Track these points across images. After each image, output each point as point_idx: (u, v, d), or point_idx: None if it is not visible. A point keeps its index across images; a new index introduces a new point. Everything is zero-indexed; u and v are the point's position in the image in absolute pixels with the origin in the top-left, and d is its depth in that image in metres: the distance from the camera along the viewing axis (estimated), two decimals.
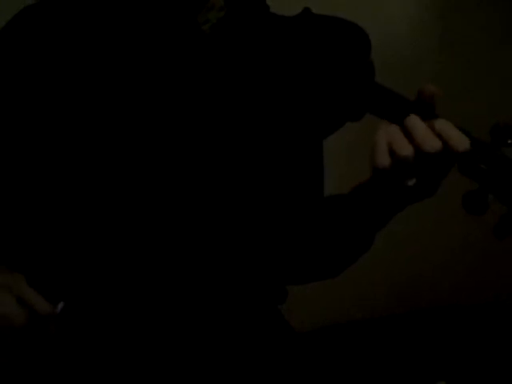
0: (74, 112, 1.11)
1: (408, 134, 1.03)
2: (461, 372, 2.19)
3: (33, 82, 1.13)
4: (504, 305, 2.31)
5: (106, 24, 1.15)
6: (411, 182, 1.05)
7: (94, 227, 1.11)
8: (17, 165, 1.15)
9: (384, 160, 1.03)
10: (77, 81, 1.12)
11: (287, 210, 1.16)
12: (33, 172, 1.13)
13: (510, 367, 2.16)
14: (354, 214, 1.14)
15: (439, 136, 1.01)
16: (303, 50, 1.14)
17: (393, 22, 2.20)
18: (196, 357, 1.14)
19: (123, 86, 1.11)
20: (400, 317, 2.31)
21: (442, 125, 1.02)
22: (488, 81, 2.26)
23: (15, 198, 1.16)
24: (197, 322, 1.14)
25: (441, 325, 2.31)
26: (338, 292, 2.21)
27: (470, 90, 2.21)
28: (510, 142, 1.05)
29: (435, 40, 2.24)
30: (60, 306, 1.10)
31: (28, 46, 1.15)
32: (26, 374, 1.14)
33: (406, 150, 1.01)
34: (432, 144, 1.01)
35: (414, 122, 1.02)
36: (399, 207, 1.10)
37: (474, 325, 2.30)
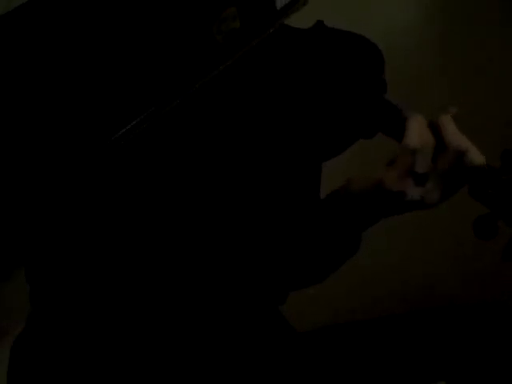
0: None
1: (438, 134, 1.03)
2: (461, 372, 2.18)
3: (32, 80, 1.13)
4: (504, 305, 2.31)
5: (113, 29, 1.14)
6: (418, 196, 1.05)
7: (92, 226, 1.11)
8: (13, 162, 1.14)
9: (426, 164, 1.03)
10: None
11: (283, 212, 1.16)
12: (31, 170, 1.13)
13: (510, 367, 2.16)
14: (346, 216, 1.14)
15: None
16: (316, 64, 1.13)
17: (393, 22, 2.20)
18: (196, 357, 1.14)
19: (131, 92, 1.11)
20: (400, 317, 2.31)
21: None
22: (488, 81, 2.26)
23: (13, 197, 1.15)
24: (197, 322, 1.14)
25: (441, 325, 2.31)
26: (338, 292, 2.21)
27: (470, 91, 2.21)
28: None
29: (435, 40, 2.25)
30: None
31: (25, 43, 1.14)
32: None
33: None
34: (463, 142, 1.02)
35: (449, 121, 1.04)
36: (398, 213, 1.10)
37: (474, 325, 2.29)
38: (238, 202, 1.12)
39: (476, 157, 1.03)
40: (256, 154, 1.12)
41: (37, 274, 1.18)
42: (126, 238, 1.11)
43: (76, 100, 1.09)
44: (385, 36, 2.15)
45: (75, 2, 1.15)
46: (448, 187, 1.04)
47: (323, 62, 1.14)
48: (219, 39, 1.10)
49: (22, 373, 1.20)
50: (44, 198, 1.07)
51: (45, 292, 1.18)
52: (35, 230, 1.09)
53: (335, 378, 2.13)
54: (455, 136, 1.04)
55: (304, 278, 1.25)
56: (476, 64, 2.25)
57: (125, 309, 1.13)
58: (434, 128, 1.04)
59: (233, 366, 1.16)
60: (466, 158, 1.03)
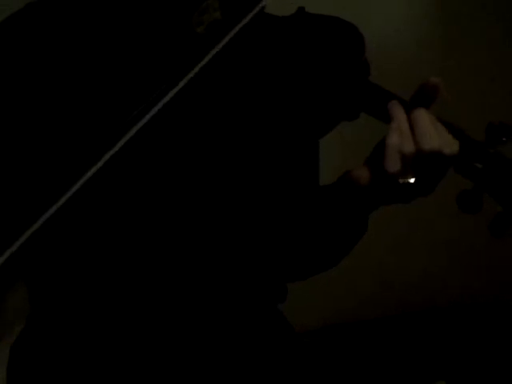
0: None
1: (412, 129, 1.04)
2: (461, 372, 2.19)
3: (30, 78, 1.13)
4: (504, 305, 2.31)
5: (103, 25, 1.14)
6: (411, 180, 1.06)
7: (91, 226, 1.11)
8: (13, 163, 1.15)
9: (396, 165, 1.03)
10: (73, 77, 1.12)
11: (284, 205, 1.16)
12: (30, 171, 1.13)
13: (510, 367, 2.16)
14: (346, 203, 1.14)
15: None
16: (297, 50, 1.13)
17: (393, 23, 2.20)
18: (195, 356, 1.14)
19: (113, 84, 1.11)
20: (400, 317, 2.31)
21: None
22: (488, 81, 2.26)
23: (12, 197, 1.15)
24: (196, 321, 1.14)
25: (440, 325, 2.31)
26: (338, 292, 2.21)
27: (470, 91, 2.21)
28: (504, 139, 1.05)
29: (435, 40, 2.24)
30: None
31: (29, 42, 1.14)
32: None
33: (411, 147, 1.02)
34: (432, 142, 1.02)
35: (420, 115, 1.04)
36: (393, 202, 1.10)
37: (474, 325, 2.30)
38: (238, 191, 1.12)
39: (450, 150, 1.03)
40: (247, 140, 1.12)
41: (36, 274, 1.17)
42: (124, 237, 1.11)
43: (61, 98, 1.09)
44: (385, 36, 2.15)
45: None
46: (439, 168, 1.05)
47: (303, 47, 1.14)
48: (200, 31, 1.10)
49: (22, 373, 1.20)
50: (44, 197, 1.07)
51: (44, 292, 1.17)
52: (34, 231, 1.09)
53: (335, 378, 2.13)
54: (425, 136, 1.04)
55: (314, 263, 1.25)
56: (476, 64, 2.25)
57: (125, 309, 1.13)
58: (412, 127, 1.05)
59: (231, 365, 1.16)
60: (441, 153, 1.03)
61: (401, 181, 1.04)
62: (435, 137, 1.04)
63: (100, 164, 1.01)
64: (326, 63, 1.12)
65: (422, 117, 1.05)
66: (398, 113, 1.07)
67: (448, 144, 1.04)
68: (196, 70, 1.04)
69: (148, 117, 1.02)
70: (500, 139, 1.05)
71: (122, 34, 1.13)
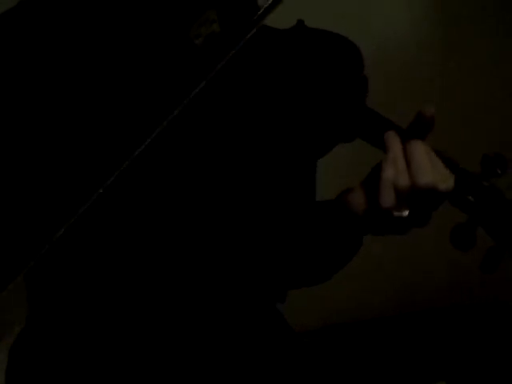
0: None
1: (408, 162, 1.03)
2: (461, 372, 2.19)
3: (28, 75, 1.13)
4: (504, 305, 2.31)
5: (100, 32, 1.14)
6: (405, 213, 1.04)
7: (91, 226, 1.11)
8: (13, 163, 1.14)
9: (391, 200, 1.02)
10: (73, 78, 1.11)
11: (277, 216, 1.16)
12: (30, 171, 1.13)
13: (510, 367, 2.16)
14: (340, 225, 1.13)
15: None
16: (295, 66, 1.12)
17: (393, 24, 2.20)
18: (195, 357, 1.14)
19: (113, 92, 1.11)
20: (400, 317, 2.31)
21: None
22: (488, 82, 2.26)
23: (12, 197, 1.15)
24: (195, 322, 1.14)
25: (441, 325, 2.31)
26: (338, 292, 2.21)
27: (469, 92, 2.21)
28: (499, 172, 1.03)
29: (435, 42, 2.24)
30: None
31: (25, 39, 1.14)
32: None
33: (406, 181, 1.02)
34: (427, 178, 1.02)
35: (416, 148, 1.03)
36: (387, 233, 1.10)
37: (473, 325, 2.30)
38: (235, 204, 1.12)
39: (445, 185, 1.02)
40: (245, 155, 1.11)
41: (36, 274, 1.18)
42: (124, 238, 1.11)
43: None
44: (384, 37, 2.15)
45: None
46: (433, 202, 1.05)
47: (301, 63, 1.12)
48: (198, 43, 1.09)
49: (21, 373, 1.20)
50: (44, 196, 1.07)
51: (43, 292, 1.18)
52: (34, 230, 1.09)
53: (335, 379, 2.14)
54: (420, 171, 1.02)
55: (304, 277, 1.25)
56: (476, 64, 2.25)
57: (124, 309, 1.13)
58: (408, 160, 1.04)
59: (231, 365, 1.16)
60: (436, 189, 1.02)
61: (395, 214, 1.03)
62: (431, 172, 1.03)
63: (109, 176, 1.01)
64: (325, 79, 1.10)
65: (418, 150, 1.04)
66: (395, 145, 1.05)
67: (443, 179, 1.03)
68: (193, 85, 1.03)
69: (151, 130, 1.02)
70: (495, 172, 1.03)
71: (120, 41, 1.12)
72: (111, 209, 1.10)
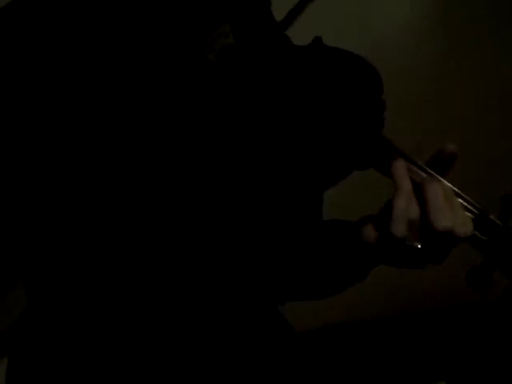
0: (72, 109, 1.10)
1: (423, 200, 0.99)
2: (461, 372, 2.19)
3: (26, 73, 1.12)
4: (504, 305, 2.31)
5: (108, 43, 1.13)
6: (418, 245, 1.01)
7: (91, 227, 1.11)
8: (12, 164, 1.14)
9: (403, 230, 0.99)
10: (75, 81, 1.11)
11: (282, 226, 1.15)
12: (30, 172, 1.13)
13: (510, 367, 2.16)
14: (350, 254, 1.11)
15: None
16: (312, 86, 1.08)
17: (393, 24, 2.20)
18: (195, 357, 1.14)
19: (126, 108, 1.10)
20: (400, 317, 2.32)
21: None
22: (488, 82, 2.26)
23: (12, 198, 1.15)
24: (196, 322, 1.14)
25: (440, 325, 2.31)
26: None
27: (470, 92, 2.21)
28: None
29: (436, 42, 2.24)
30: None
31: (22, 35, 1.13)
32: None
33: (417, 212, 0.98)
34: (445, 222, 0.98)
35: (435, 190, 0.99)
36: (402, 265, 1.07)
37: (473, 325, 2.30)
38: (239, 209, 1.12)
39: (463, 230, 1.00)
40: (256, 173, 1.10)
41: (35, 274, 1.18)
42: (125, 237, 1.11)
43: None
44: (385, 37, 2.15)
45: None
46: (446, 245, 1.02)
47: (318, 85, 1.09)
48: (211, 57, 1.07)
49: (21, 373, 1.20)
50: (43, 194, 1.07)
51: (43, 291, 1.18)
52: (33, 227, 1.09)
53: (335, 378, 2.14)
54: (439, 214, 0.99)
55: (302, 292, 1.25)
56: (476, 64, 2.25)
57: (124, 309, 1.13)
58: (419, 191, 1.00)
59: (231, 365, 1.16)
60: (453, 233, 0.99)
61: (408, 243, 1.00)
62: (449, 216, 0.99)
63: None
64: (343, 102, 1.07)
65: (435, 191, 1.00)
66: (402, 179, 1.02)
67: (461, 224, 1.00)
68: (204, 97, 1.02)
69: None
70: None
71: (132, 56, 1.11)
72: (111, 209, 1.10)
